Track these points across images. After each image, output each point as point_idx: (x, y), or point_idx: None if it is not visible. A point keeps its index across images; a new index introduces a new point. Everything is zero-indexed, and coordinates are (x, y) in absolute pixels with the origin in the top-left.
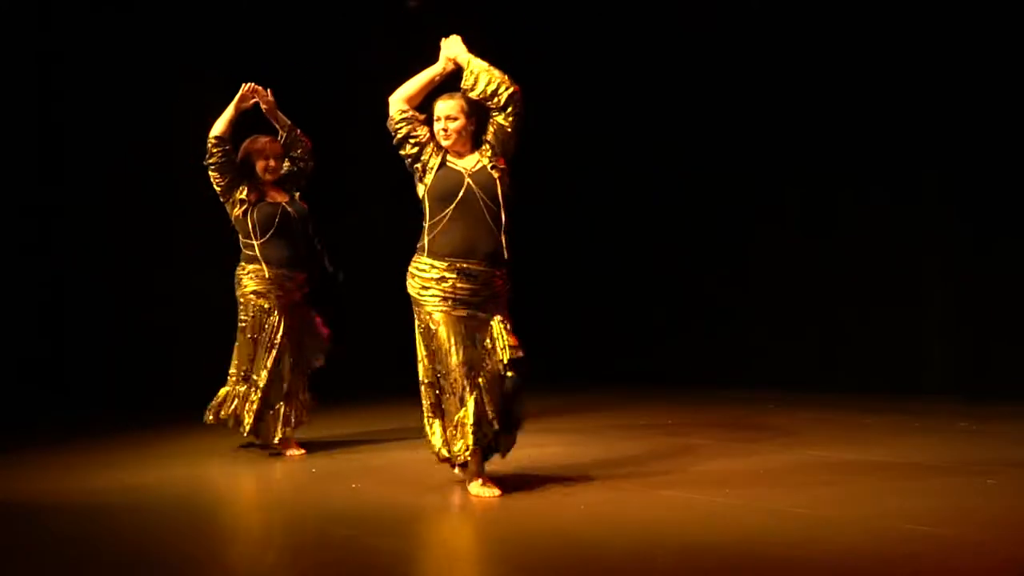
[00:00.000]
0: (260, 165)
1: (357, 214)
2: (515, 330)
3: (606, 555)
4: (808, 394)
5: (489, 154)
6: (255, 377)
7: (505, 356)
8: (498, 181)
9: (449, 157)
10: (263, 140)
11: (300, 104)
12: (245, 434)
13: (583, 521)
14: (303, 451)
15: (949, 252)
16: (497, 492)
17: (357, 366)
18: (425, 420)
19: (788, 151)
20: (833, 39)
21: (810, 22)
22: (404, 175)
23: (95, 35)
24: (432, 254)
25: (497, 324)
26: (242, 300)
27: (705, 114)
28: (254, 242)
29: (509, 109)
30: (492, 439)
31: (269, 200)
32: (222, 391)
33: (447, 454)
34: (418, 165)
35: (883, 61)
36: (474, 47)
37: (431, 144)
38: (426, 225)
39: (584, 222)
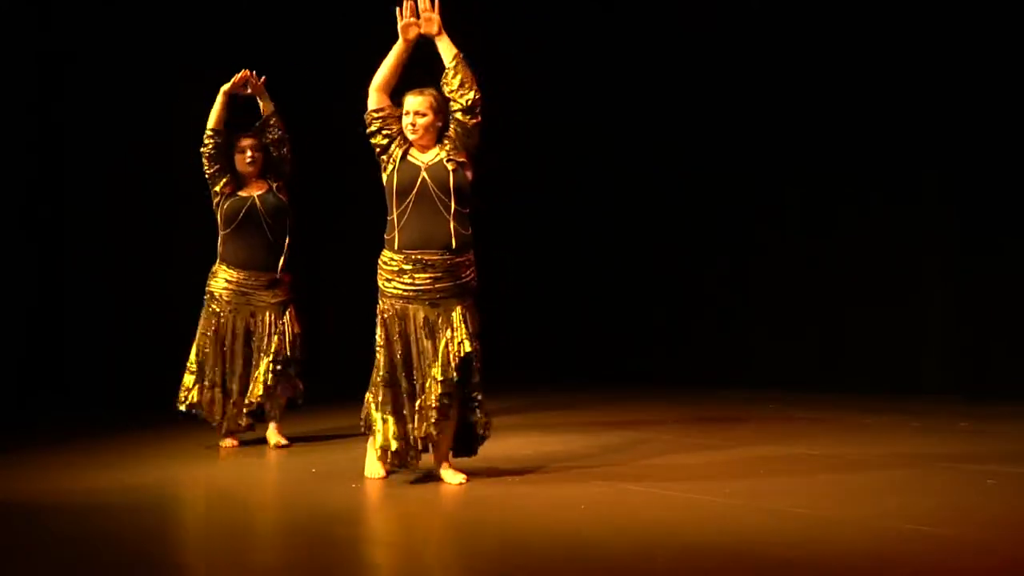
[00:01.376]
0: (238, 159)
1: (354, 211)
2: (489, 323)
3: (606, 555)
4: (808, 394)
5: (448, 147)
6: (207, 372)
7: (463, 349)
8: (451, 173)
9: (412, 151)
10: (242, 136)
11: (300, 105)
12: (183, 408)
13: (583, 521)
14: (283, 443)
15: (949, 252)
16: (464, 478)
17: (357, 366)
18: (372, 411)
19: (788, 151)
20: (833, 39)
21: (810, 22)
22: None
23: (95, 35)
24: (393, 247)
25: (458, 315)
26: (206, 296)
27: (705, 114)
28: (219, 235)
29: (475, 111)
30: (461, 428)
31: (242, 194)
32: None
33: (391, 451)
34: (384, 156)
35: (883, 61)
36: (473, 47)
37: (399, 138)
38: (388, 219)
39: (584, 222)
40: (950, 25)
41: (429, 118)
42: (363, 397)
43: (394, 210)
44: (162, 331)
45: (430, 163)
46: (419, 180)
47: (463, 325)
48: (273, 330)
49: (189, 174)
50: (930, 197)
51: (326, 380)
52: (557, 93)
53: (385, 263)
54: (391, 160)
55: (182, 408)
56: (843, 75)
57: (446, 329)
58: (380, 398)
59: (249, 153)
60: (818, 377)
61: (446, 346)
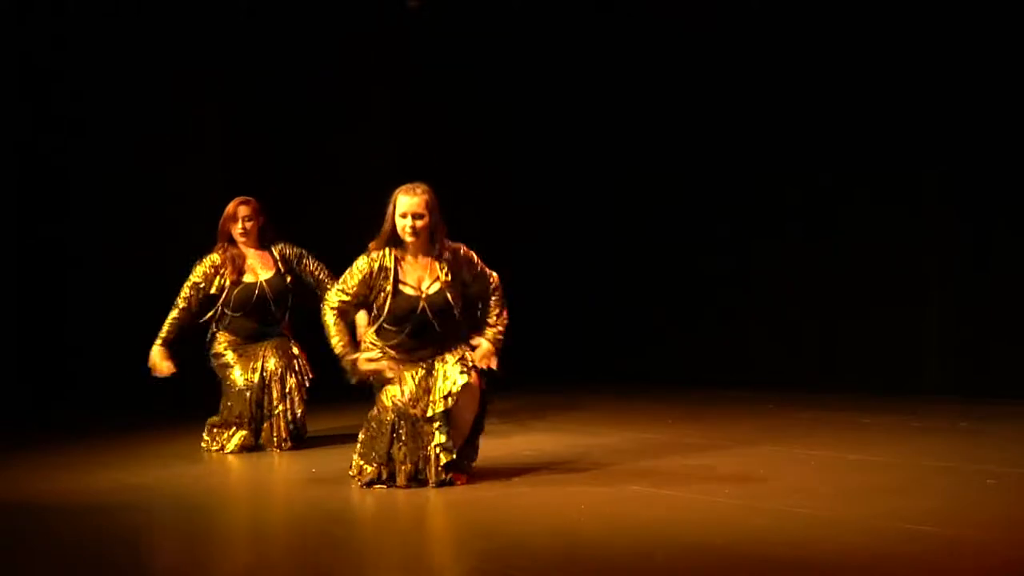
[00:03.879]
0: (234, 228)
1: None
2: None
3: (606, 555)
4: (808, 394)
5: (444, 269)
6: (231, 419)
7: (458, 376)
8: (452, 303)
9: (401, 275)
10: (232, 205)
11: (300, 107)
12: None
13: (583, 521)
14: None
15: (949, 252)
16: (463, 479)
17: None
18: (361, 453)
19: (788, 151)
20: (834, 39)
21: (810, 22)
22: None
23: (96, 34)
24: (384, 343)
25: (454, 355)
26: (212, 356)
27: (706, 114)
28: (228, 314)
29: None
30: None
31: (248, 280)
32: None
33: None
34: (372, 291)
35: (884, 62)
36: (475, 47)
37: (377, 272)
38: (371, 328)
39: (584, 222)
40: (950, 25)
41: (427, 219)
42: (363, 396)
43: (388, 331)
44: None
45: (427, 292)
46: (419, 310)
47: (459, 363)
48: (288, 356)
49: (190, 174)
50: (930, 198)
51: (326, 380)
52: (557, 93)
53: (372, 343)
54: (382, 291)
55: (212, 450)
56: (843, 75)
57: (443, 364)
58: (367, 439)
59: (241, 225)
60: (818, 377)
61: (443, 379)
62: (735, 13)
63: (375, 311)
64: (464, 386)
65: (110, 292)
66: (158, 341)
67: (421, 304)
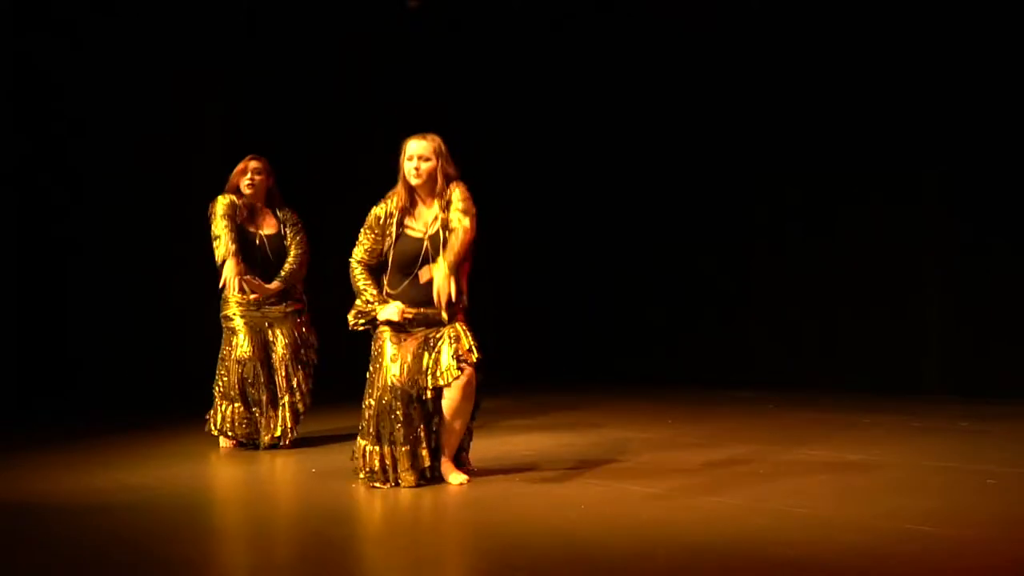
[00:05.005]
0: (243, 180)
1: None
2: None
3: (606, 555)
4: (808, 394)
5: (446, 211)
6: (228, 392)
7: (453, 369)
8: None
9: (406, 220)
10: (244, 160)
11: (297, 105)
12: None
13: (583, 521)
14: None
15: (949, 252)
16: (465, 479)
17: (357, 364)
18: (366, 442)
19: (788, 151)
20: (834, 40)
21: (811, 22)
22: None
23: (96, 34)
24: (391, 295)
25: (450, 333)
26: (223, 320)
27: (706, 114)
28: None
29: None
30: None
31: (250, 228)
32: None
33: (381, 479)
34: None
35: (884, 62)
36: (475, 46)
37: (384, 218)
38: (385, 279)
39: (583, 222)
40: (951, 26)
41: (433, 163)
42: (362, 397)
43: (396, 276)
44: (163, 331)
45: (430, 232)
46: (422, 252)
47: (457, 340)
48: (298, 339)
49: (190, 173)
50: (930, 198)
51: (325, 380)
52: (557, 93)
53: (388, 293)
54: (387, 236)
55: (214, 434)
56: (844, 75)
57: (441, 342)
58: (368, 421)
59: (249, 176)
60: (818, 377)
61: (436, 360)
62: (735, 13)
63: (385, 258)
64: (456, 381)
65: (111, 293)
66: (229, 254)
67: (424, 245)
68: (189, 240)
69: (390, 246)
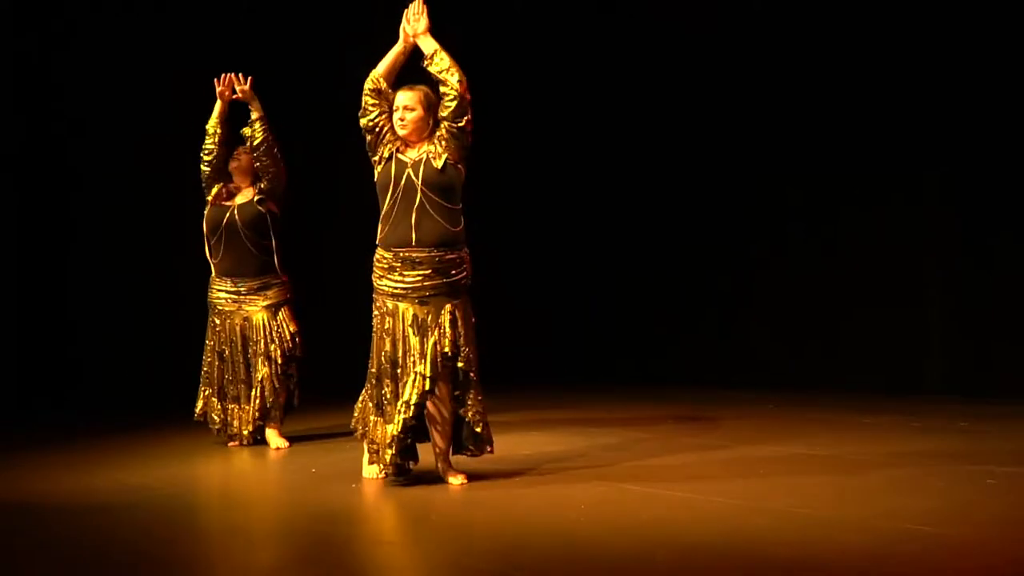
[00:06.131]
0: (231, 164)
1: (351, 211)
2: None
3: (606, 555)
4: (808, 394)
5: (438, 146)
6: (211, 381)
7: (448, 350)
8: (437, 170)
9: (400, 150)
10: (241, 147)
11: (295, 103)
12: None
13: (583, 521)
14: (283, 445)
15: (950, 253)
16: (464, 479)
17: (357, 364)
18: (364, 411)
19: (790, 152)
20: (835, 40)
21: (812, 23)
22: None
23: (96, 33)
24: (383, 244)
25: (446, 315)
26: (209, 307)
27: (707, 115)
28: (207, 245)
29: (461, 116)
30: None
31: (225, 203)
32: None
33: (386, 457)
34: (375, 158)
35: (884, 62)
36: (475, 46)
37: (389, 134)
38: (380, 216)
39: (584, 222)
40: (951, 26)
41: (419, 112)
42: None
43: (382, 207)
44: (164, 331)
45: (416, 159)
46: (404, 176)
47: (451, 327)
48: (270, 333)
49: (190, 174)
50: (931, 198)
51: (325, 380)
52: (556, 93)
53: (377, 260)
54: (380, 160)
55: (198, 419)
56: (845, 76)
57: (434, 328)
58: (369, 395)
59: (236, 159)
60: (818, 377)
61: (434, 345)
62: (737, 14)
63: (378, 188)
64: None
65: (111, 293)
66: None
67: (407, 171)
68: (189, 240)
69: (379, 168)
